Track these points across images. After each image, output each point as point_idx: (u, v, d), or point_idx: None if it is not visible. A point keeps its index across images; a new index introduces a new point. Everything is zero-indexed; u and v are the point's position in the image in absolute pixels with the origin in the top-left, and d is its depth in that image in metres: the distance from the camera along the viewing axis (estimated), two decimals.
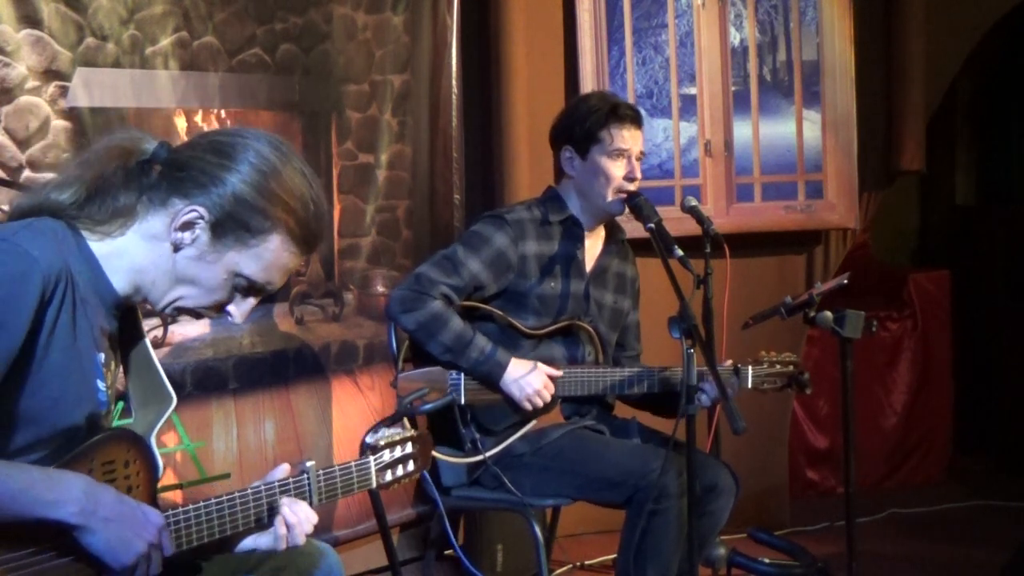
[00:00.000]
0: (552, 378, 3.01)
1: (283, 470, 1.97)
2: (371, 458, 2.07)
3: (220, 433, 3.34)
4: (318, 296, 3.65)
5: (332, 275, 3.68)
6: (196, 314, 1.88)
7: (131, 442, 1.83)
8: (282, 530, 1.91)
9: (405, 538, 3.94)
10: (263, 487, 1.92)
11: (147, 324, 3.14)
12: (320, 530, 3.54)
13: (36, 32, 2.83)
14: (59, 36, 2.88)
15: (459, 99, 3.93)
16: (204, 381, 3.31)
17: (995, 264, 5.59)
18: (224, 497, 1.87)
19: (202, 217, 1.78)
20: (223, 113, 3.34)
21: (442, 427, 3.01)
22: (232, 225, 1.79)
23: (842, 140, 4.36)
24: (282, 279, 1.89)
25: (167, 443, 3.19)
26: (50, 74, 2.88)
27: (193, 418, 3.25)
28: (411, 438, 2.14)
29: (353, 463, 2.05)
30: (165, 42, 3.16)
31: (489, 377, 2.98)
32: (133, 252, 1.81)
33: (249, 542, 1.95)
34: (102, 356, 1.81)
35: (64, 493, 1.66)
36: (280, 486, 1.93)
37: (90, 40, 2.96)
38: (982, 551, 4.06)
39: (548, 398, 2.99)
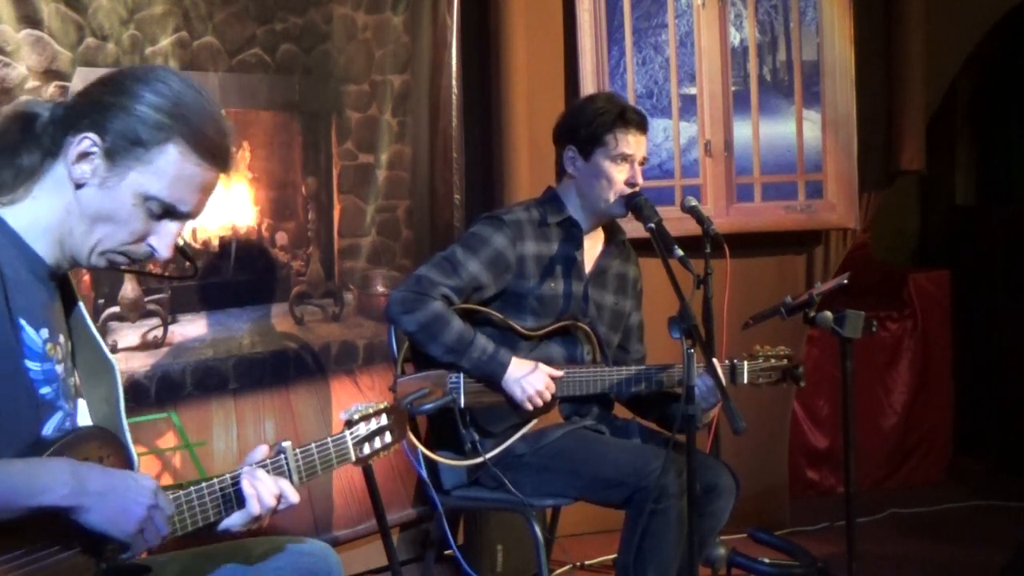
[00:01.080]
0: (554, 379, 3.01)
1: (261, 451, 1.96)
2: (347, 432, 2.08)
3: (220, 433, 3.34)
4: (318, 296, 3.65)
5: (332, 275, 3.68)
6: (128, 259, 1.83)
7: (103, 439, 1.81)
8: (250, 491, 1.89)
9: (405, 538, 3.95)
10: (243, 471, 1.91)
11: (146, 324, 3.17)
12: (320, 530, 3.56)
13: (36, 32, 2.83)
14: (59, 36, 2.88)
15: (459, 99, 3.93)
16: (204, 381, 3.32)
17: (995, 264, 5.59)
18: (203, 484, 1.87)
19: (96, 144, 1.75)
20: (223, 113, 3.34)
21: (442, 429, 3.01)
22: (125, 143, 1.75)
23: (842, 140, 4.36)
24: (196, 198, 1.82)
25: (167, 443, 3.19)
26: (50, 74, 2.88)
27: (193, 418, 3.25)
28: (385, 410, 2.15)
29: (330, 438, 2.05)
30: (165, 42, 3.16)
31: (491, 377, 2.98)
32: (45, 210, 1.78)
33: (225, 521, 1.93)
34: (46, 331, 1.78)
35: (50, 478, 1.64)
36: (258, 467, 1.92)
37: (90, 40, 2.96)
38: (982, 551, 4.06)
39: (549, 398, 2.99)
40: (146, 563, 2.02)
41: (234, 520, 1.91)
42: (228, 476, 1.90)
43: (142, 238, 1.81)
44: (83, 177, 1.76)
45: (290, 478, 1.96)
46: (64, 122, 1.77)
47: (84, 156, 1.75)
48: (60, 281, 1.87)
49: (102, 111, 1.76)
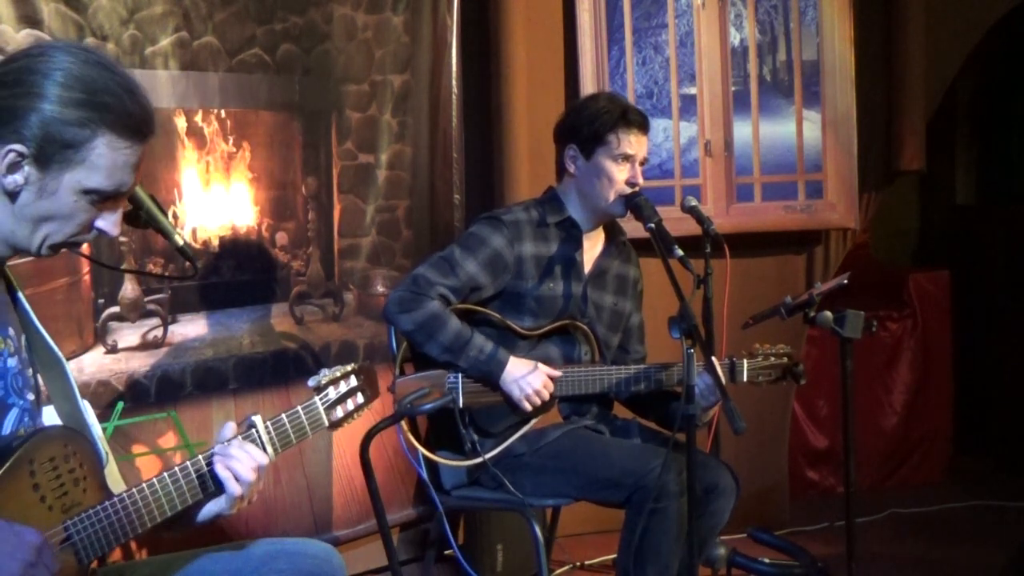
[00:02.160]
0: (552, 378, 3.01)
1: (230, 429, 1.94)
2: (316, 398, 2.06)
3: None
4: (318, 296, 3.65)
5: (332, 275, 3.68)
6: (75, 244, 1.81)
7: (67, 436, 1.79)
8: (225, 472, 1.88)
9: (405, 538, 3.95)
10: (209, 454, 1.89)
11: (146, 324, 3.17)
12: (320, 530, 3.56)
13: (36, 32, 2.83)
14: (59, 36, 2.88)
15: (459, 99, 3.93)
16: (204, 381, 3.31)
17: (995, 264, 5.59)
18: (176, 468, 1.86)
19: (22, 154, 1.71)
20: (223, 113, 3.34)
21: (442, 429, 3.01)
22: (53, 148, 1.71)
23: (842, 140, 4.36)
24: (132, 176, 1.79)
25: (167, 443, 3.19)
26: None
27: (193, 418, 3.25)
28: (353, 371, 2.13)
29: (300, 406, 2.03)
30: (165, 42, 3.16)
31: (488, 376, 2.98)
32: None
33: (211, 507, 1.93)
34: None
35: None
36: (230, 444, 1.91)
37: (90, 40, 2.96)
38: (982, 551, 4.06)
39: (547, 397, 2.99)
40: (146, 564, 2.03)
41: (221, 505, 1.91)
42: (201, 458, 1.88)
43: (89, 226, 1.80)
44: (16, 186, 1.73)
45: (264, 451, 1.94)
46: None
47: (13, 167, 1.72)
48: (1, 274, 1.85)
49: (17, 117, 1.71)
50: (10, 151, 1.71)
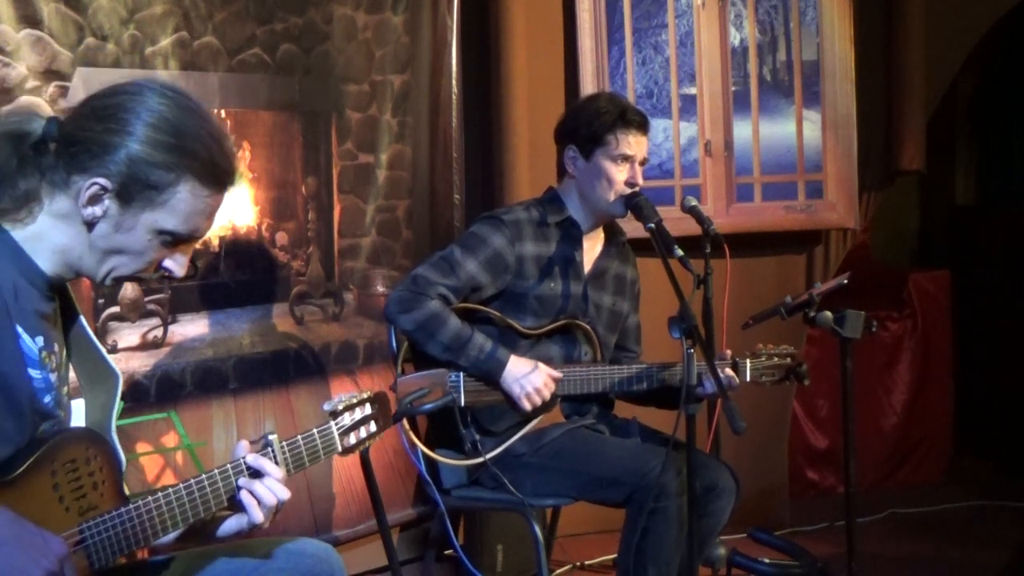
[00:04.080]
0: (554, 379, 3.01)
1: (244, 448, 1.94)
2: (332, 423, 2.07)
3: (220, 433, 3.34)
4: (318, 296, 3.65)
5: (332, 275, 3.68)
6: (139, 279, 1.85)
7: (89, 439, 1.81)
8: (249, 500, 1.89)
9: (405, 538, 3.95)
10: (229, 466, 1.90)
11: (146, 324, 3.17)
12: (320, 530, 3.56)
13: (36, 32, 2.83)
14: (59, 36, 2.88)
15: (459, 99, 3.93)
16: (204, 381, 3.32)
17: (995, 264, 5.59)
18: (192, 480, 1.86)
19: (105, 188, 1.74)
20: (223, 113, 3.34)
21: (442, 428, 3.01)
22: (137, 187, 1.75)
23: (842, 140, 4.36)
24: (208, 224, 1.84)
25: (167, 443, 3.19)
26: (50, 74, 2.88)
27: (193, 418, 3.25)
28: (369, 399, 2.15)
29: (315, 429, 2.04)
30: (165, 42, 3.16)
31: (489, 375, 2.98)
32: (51, 235, 1.78)
33: (232, 524, 1.94)
34: (41, 339, 1.78)
35: None
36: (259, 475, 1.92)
37: (90, 40, 2.96)
38: (982, 551, 4.06)
39: (548, 396, 2.99)
40: (146, 563, 2.03)
41: (241, 524, 1.92)
42: (217, 472, 1.88)
43: (157, 265, 1.84)
44: (94, 217, 1.76)
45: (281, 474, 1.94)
46: (66, 155, 1.75)
47: (95, 199, 1.75)
48: (59, 292, 1.87)
49: (104, 152, 1.74)
50: (94, 184, 1.74)
